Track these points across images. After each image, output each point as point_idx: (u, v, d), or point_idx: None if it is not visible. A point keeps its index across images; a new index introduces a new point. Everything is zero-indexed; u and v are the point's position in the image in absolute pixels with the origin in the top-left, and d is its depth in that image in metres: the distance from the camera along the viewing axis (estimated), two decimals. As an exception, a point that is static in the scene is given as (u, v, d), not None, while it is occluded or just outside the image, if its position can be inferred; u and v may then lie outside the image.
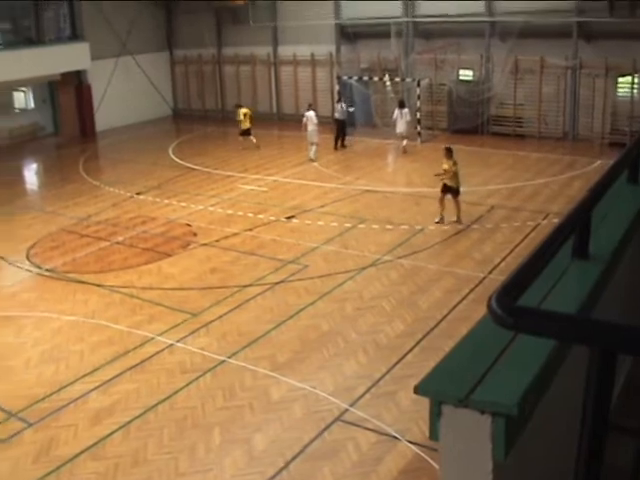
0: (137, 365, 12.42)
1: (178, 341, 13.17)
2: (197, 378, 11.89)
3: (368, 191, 22.09)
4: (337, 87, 30.76)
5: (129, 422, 10.75)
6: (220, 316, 14.11)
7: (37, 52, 30.10)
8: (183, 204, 21.78)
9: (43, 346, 13.32)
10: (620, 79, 26.60)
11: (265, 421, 10.61)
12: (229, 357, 12.50)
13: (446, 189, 18.55)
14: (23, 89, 33.51)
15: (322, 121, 27.56)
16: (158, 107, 36.95)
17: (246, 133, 28.66)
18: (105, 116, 33.95)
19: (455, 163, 18.55)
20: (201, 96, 37.24)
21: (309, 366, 12.12)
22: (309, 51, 32.75)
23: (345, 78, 30.54)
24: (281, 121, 34.18)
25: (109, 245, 18.60)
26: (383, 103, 30.34)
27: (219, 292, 15.29)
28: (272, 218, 19.95)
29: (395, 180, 24.12)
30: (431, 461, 9.20)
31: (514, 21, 26.98)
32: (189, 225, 19.82)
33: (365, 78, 30.42)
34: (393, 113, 27.22)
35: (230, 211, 20.78)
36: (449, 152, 18.70)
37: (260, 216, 20.13)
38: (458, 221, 18.61)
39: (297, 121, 28.83)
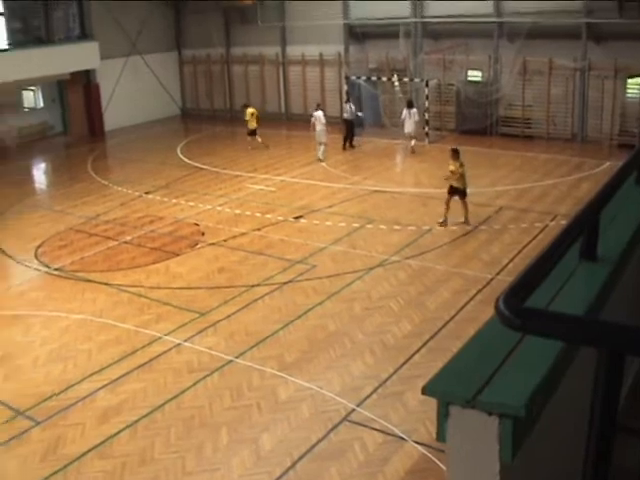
0: (144, 364, 12.44)
1: (186, 340, 13.19)
2: (204, 377, 11.91)
3: (376, 191, 22.09)
4: (345, 87, 30.77)
5: (136, 421, 10.78)
6: (228, 316, 14.13)
7: (46, 51, 30.18)
8: (191, 204, 21.82)
9: (51, 345, 13.36)
10: (629, 80, 26.50)
11: (272, 421, 10.62)
12: (237, 357, 12.51)
13: (453, 191, 18.51)
14: (32, 88, 33.60)
15: (330, 121, 27.57)
16: (166, 107, 37.03)
17: (253, 133, 28.69)
18: (114, 115, 34.05)
19: (462, 165, 18.51)
20: (209, 96, 37.29)
21: (317, 366, 12.13)
22: (317, 51, 32.75)
23: (353, 78, 30.54)
24: (289, 121, 34.20)
25: (117, 244, 18.65)
26: (391, 103, 30.32)
27: (227, 292, 15.31)
28: (280, 218, 19.96)
29: (403, 180, 24.10)
30: (438, 462, 9.20)
31: (522, 22, 26.92)
32: (197, 225, 19.85)
33: (373, 78, 30.41)
34: (401, 113, 27.22)
35: (238, 211, 20.80)
36: (455, 153, 18.66)
37: (268, 216, 20.15)
38: (466, 222, 18.58)
39: (305, 121, 28.84)
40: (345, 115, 28.35)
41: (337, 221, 19.44)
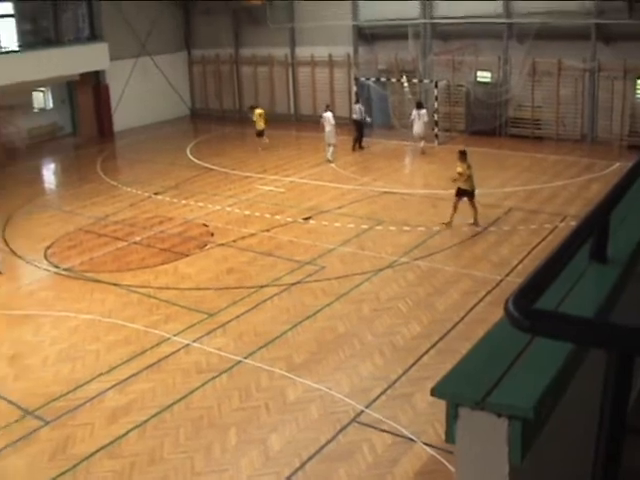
0: (153, 365, 12.47)
1: (194, 341, 13.21)
2: (213, 378, 11.92)
3: (385, 193, 22.07)
4: (355, 88, 30.76)
5: (145, 421, 10.80)
6: (237, 316, 14.14)
7: (56, 52, 30.26)
8: (200, 204, 21.85)
9: (60, 345, 13.41)
10: (639, 81, 26.42)
11: (281, 422, 10.62)
12: (245, 357, 12.52)
13: (461, 192, 18.47)
14: (42, 89, 33.68)
15: (339, 122, 27.56)
16: (176, 107, 37.09)
17: (261, 134, 28.72)
18: (123, 116, 34.15)
19: (469, 166, 18.45)
20: (219, 96, 37.32)
21: (325, 367, 12.13)
22: (327, 52, 32.76)
23: (363, 79, 30.55)
24: (299, 122, 34.22)
25: (126, 245, 18.69)
26: (401, 104, 30.30)
27: (236, 292, 15.32)
28: (289, 219, 19.97)
29: (412, 182, 24.08)
30: (447, 463, 9.18)
31: (531, 22, 26.87)
32: (206, 225, 19.88)
33: (383, 79, 30.41)
34: (411, 114, 27.22)
35: (247, 212, 20.82)
36: (463, 155, 18.61)
37: (277, 217, 20.16)
38: (475, 223, 18.54)
39: (314, 122, 28.87)
40: (354, 116, 28.35)
41: (346, 222, 19.44)
